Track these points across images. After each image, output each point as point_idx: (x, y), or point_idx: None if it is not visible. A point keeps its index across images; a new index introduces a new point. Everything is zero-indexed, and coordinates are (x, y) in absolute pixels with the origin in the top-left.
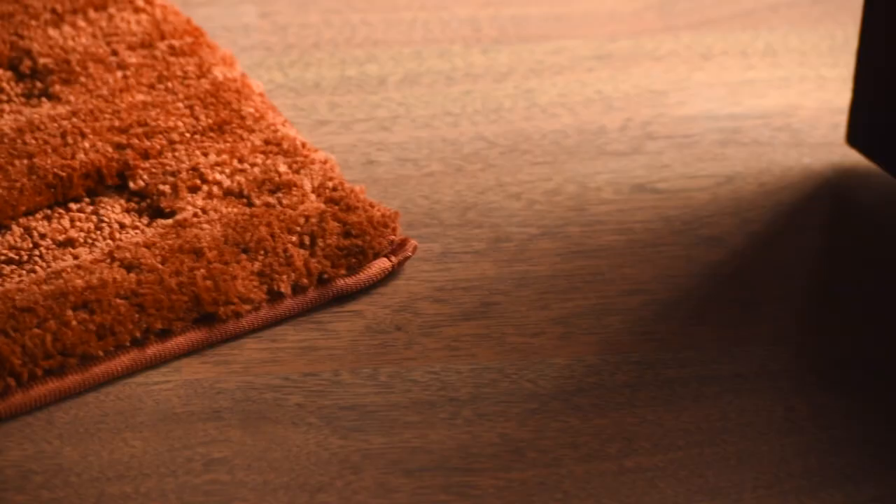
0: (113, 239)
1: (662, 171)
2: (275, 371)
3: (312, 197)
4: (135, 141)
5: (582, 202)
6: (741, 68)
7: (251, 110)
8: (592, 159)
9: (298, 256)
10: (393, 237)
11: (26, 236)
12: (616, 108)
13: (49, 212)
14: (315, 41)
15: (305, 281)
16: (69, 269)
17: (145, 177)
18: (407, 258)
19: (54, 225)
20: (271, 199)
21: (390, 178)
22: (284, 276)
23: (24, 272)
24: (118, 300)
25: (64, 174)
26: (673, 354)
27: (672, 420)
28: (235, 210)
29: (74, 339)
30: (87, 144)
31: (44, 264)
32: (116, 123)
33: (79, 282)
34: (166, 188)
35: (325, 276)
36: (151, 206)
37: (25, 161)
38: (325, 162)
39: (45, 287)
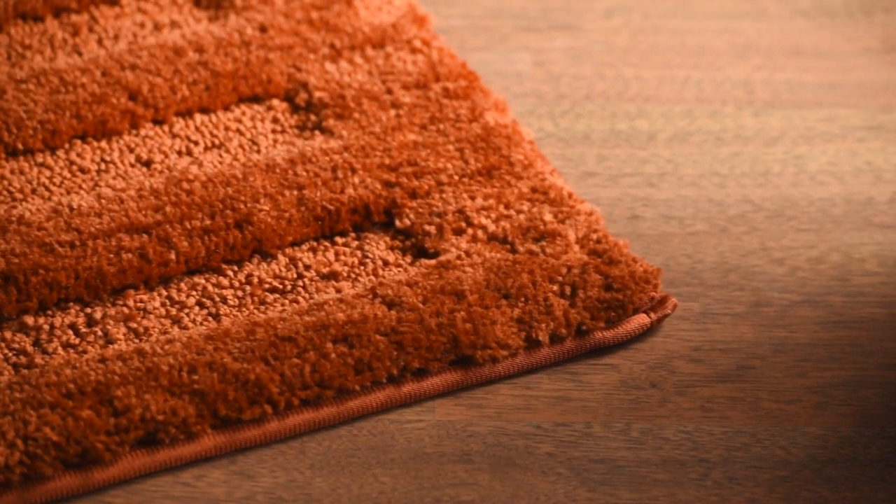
0: (376, 275)
1: None
2: (527, 418)
3: (576, 248)
4: (404, 180)
5: (845, 272)
6: None
7: (520, 157)
8: (858, 230)
9: (558, 306)
10: (654, 294)
11: (291, 266)
12: (885, 179)
13: (315, 244)
14: (587, 93)
15: (564, 331)
16: (331, 302)
17: (412, 216)
18: (666, 316)
19: (319, 257)
20: (535, 247)
21: (654, 235)
22: (543, 325)
23: (286, 302)
24: (378, 336)
25: (332, 208)
26: None
27: None
28: (498, 255)
29: (332, 372)
30: (356, 180)
31: (307, 295)
32: (387, 161)
33: (340, 315)
34: (432, 229)
35: (584, 327)
36: (416, 246)
37: (295, 192)
38: (590, 214)
39: (306, 318)
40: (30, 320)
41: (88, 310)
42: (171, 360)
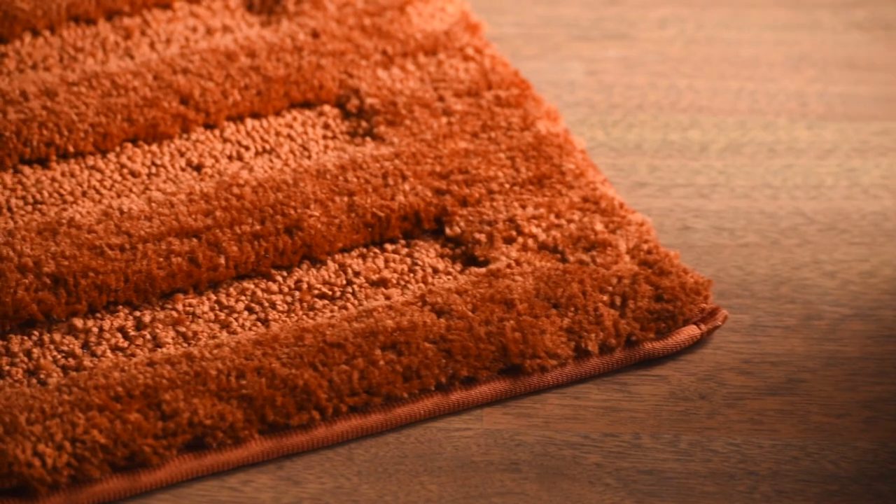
0: (425, 283)
1: None
2: (575, 428)
3: (627, 258)
4: (454, 187)
5: None
6: None
7: (572, 166)
8: None
9: (608, 316)
10: (704, 305)
11: (341, 273)
12: None
13: (365, 250)
14: (639, 103)
15: (613, 341)
16: (380, 309)
17: (462, 224)
18: (716, 327)
19: (369, 264)
20: (585, 257)
21: (705, 246)
22: (593, 335)
23: (335, 308)
24: (426, 344)
25: (382, 214)
26: None
27: None
28: (549, 265)
29: (381, 379)
30: (407, 187)
31: (356, 302)
32: (438, 169)
33: (389, 322)
34: (482, 237)
35: (634, 338)
36: (466, 254)
37: (346, 198)
38: (641, 224)
39: (355, 325)
40: (79, 323)
41: (137, 313)
42: (220, 365)
